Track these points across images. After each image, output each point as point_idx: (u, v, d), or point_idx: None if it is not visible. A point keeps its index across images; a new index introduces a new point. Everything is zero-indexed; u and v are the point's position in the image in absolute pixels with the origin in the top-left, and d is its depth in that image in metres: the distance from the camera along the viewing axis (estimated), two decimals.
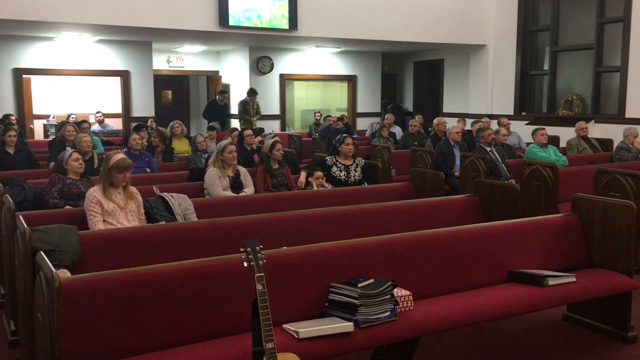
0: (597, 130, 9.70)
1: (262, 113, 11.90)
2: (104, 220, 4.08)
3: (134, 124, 9.84)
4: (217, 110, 11.95)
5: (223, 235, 3.84)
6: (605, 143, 8.62)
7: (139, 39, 11.14)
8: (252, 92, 11.46)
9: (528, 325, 4.03)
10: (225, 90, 12.49)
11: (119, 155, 4.26)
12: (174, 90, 15.47)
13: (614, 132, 8.87)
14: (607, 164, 7.15)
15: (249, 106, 11.37)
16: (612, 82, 10.10)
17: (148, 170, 6.66)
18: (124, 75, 11.44)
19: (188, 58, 13.51)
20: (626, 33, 9.51)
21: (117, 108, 11.82)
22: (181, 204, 4.48)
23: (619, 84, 9.73)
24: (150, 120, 10.69)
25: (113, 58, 11.34)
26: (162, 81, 14.29)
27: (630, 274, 3.74)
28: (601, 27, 10.15)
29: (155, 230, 3.80)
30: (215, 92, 13.64)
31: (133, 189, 4.34)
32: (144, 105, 11.41)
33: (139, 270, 2.76)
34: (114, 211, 4.11)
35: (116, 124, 11.94)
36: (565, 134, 9.02)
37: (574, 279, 3.56)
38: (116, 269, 2.79)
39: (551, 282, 3.48)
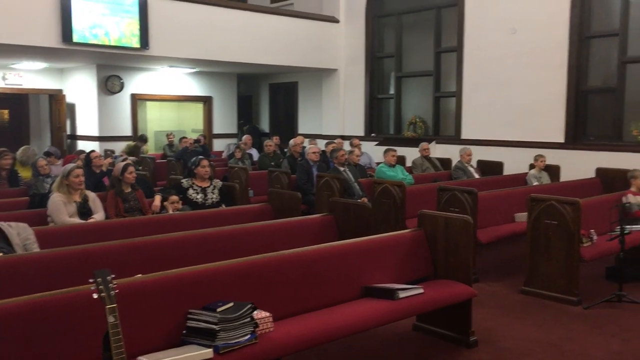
0: (438, 150, 10.52)
1: (112, 134, 11.34)
2: None
3: None
4: None
5: (70, 266, 3.58)
6: (445, 162, 9.38)
7: None
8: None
9: (382, 337, 4.22)
10: None
11: None
12: (12, 109, 14.24)
13: (452, 152, 9.68)
14: (447, 181, 7.77)
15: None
16: (449, 106, 11.03)
17: None
18: None
19: (27, 75, 12.51)
20: (459, 62, 10.47)
21: None
22: (20, 234, 4.11)
23: (455, 108, 10.65)
24: None
25: None
26: None
27: (469, 283, 4.07)
28: (438, 56, 11.09)
29: None
30: (59, 112, 12.78)
31: None
32: None
33: None
34: None
35: None
36: (411, 154, 9.67)
37: (421, 291, 3.80)
38: None
39: (401, 294, 3.68)
